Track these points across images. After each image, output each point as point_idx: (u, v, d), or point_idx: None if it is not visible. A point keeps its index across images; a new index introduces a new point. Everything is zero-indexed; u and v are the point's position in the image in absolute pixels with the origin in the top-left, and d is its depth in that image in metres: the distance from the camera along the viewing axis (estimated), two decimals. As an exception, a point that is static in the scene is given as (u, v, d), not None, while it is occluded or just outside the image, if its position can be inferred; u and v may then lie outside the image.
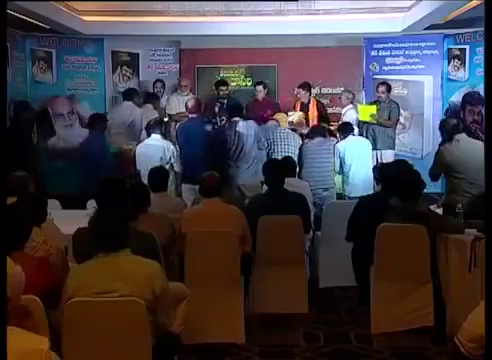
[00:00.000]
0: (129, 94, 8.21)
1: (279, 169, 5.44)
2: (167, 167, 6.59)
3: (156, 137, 6.94)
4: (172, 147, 6.85)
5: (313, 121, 8.24)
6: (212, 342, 4.43)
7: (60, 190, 7.15)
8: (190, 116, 7.18)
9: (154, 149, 6.86)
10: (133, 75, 9.37)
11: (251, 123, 7.12)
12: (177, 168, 6.98)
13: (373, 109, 8.04)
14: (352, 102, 8.54)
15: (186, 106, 7.22)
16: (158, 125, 7.06)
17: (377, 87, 8.31)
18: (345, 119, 8.19)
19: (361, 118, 8.12)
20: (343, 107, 8.59)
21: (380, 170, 5.50)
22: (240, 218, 4.75)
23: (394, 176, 5.03)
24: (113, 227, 3.05)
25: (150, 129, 7.12)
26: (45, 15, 8.08)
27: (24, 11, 7.58)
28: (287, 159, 6.67)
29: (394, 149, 8.15)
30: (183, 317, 3.58)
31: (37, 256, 3.27)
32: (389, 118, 8.09)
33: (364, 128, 8.12)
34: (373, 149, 7.84)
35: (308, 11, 8.87)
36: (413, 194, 4.59)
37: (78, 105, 8.90)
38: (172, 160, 6.85)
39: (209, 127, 7.34)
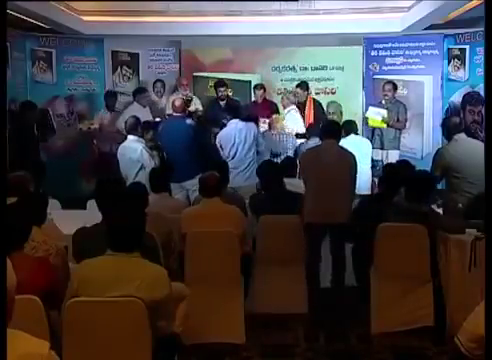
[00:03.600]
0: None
1: (273, 170, 5.46)
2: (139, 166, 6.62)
3: (130, 138, 6.85)
4: (140, 147, 6.69)
5: (308, 120, 8.24)
6: (212, 342, 4.43)
7: (60, 190, 7.14)
8: (174, 114, 7.13)
9: (127, 150, 6.79)
10: (133, 75, 9.37)
11: (251, 125, 7.09)
12: (148, 168, 6.52)
13: (384, 112, 8.06)
14: (294, 103, 8.39)
15: (172, 104, 7.16)
16: (132, 126, 6.99)
17: (383, 86, 8.36)
18: (288, 120, 7.94)
19: (371, 124, 8.18)
20: (285, 108, 8.34)
21: (384, 169, 5.52)
22: (240, 218, 4.76)
23: (399, 176, 5.08)
24: (128, 227, 3.04)
25: (126, 130, 7.06)
26: (45, 15, 8.08)
27: (24, 11, 7.58)
28: (287, 159, 6.67)
29: (399, 149, 8.25)
30: (183, 317, 3.57)
31: (37, 256, 3.27)
32: (397, 119, 8.17)
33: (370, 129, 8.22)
34: (380, 149, 8.00)
35: (308, 11, 8.86)
36: (418, 194, 4.59)
37: (78, 105, 8.91)
38: (140, 160, 6.66)
39: (190, 123, 7.23)
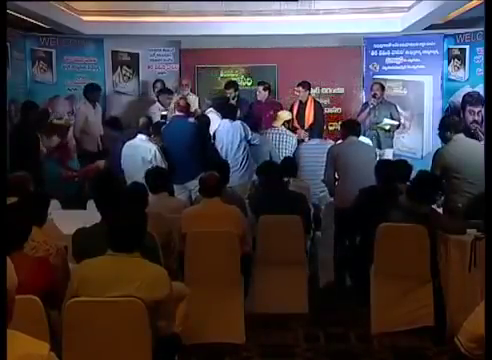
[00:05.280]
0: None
1: (273, 170, 5.48)
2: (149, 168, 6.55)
3: (141, 137, 6.85)
4: (154, 148, 6.66)
5: (308, 120, 8.24)
6: (212, 342, 4.43)
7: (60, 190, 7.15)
8: (176, 114, 7.13)
9: (137, 150, 6.75)
10: (133, 75, 9.38)
11: (236, 124, 7.08)
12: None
13: (395, 123, 8.21)
14: (211, 105, 8.33)
15: (177, 104, 7.15)
16: (146, 125, 6.99)
17: (371, 86, 8.43)
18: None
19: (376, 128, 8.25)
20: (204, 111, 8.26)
21: (380, 168, 5.54)
22: (240, 218, 4.76)
23: (389, 170, 5.18)
24: (128, 227, 3.03)
25: (139, 129, 7.05)
26: (45, 15, 8.07)
27: (24, 11, 7.58)
28: (287, 159, 6.67)
29: (393, 147, 8.33)
30: (183, 317, 3.58)
31: (37, 256, 3.27)
32: (392, 118, 8.24)
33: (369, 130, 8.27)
34: (378, 148, 8.00)
35: (308, 11, 8.87)
36: (421, 195, 4.59)
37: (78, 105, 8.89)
38: (153, 161, 6.61)
39: (194, 122, 7.21)
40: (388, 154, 8.07)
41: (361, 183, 5.47)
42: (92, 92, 8.38)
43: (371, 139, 8.10)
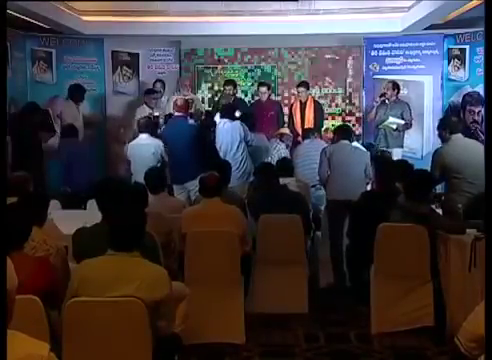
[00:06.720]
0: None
1: (272, 170, 5.52)
2: (159, 165, 6.62)
3: (144, 136, 6.91)
4: (161, 144, 6.81)
5: (308, 121, 8.25)
6: (212, 342, 4.43)
7: (59, 190, 7.14)
8: (176, 114, 7.15)
9: (146, 148, 6.82)
10: (133, 75, 9.38)
11: (235, 124, 7.09)
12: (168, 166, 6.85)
13: (401, 122, 8.21)
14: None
15: (175, 104, 7.17)
16: (146, 124, 7.05)
17: (386, 85, 8.41)
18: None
19: (383, 127, 8.25)
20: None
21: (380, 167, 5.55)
22: (240, 218, 4.76)
23: (396, 174, 5.18)
24: (129, 226, 3.04)
25: (139, 128, 7.10)
26: (45, 15, 8.06)
27: (24, 11, 7.57)
28: (284, 160, 6.70)
29: (402, 147, 8.32)
30: (183, 317, 3.58)
31: (37, 256, 3.27)
32: (402, 118, 8.24)
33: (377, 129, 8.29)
34: (386, 147, 8.07)
35: (308, 11, 8.86)
36: (416, 193, 4.59)
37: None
38: (160, 157, 6.77)
39: (193, 124, 7.24)
40: (397, 154, 8.03)
41: (348, 180, 5.87)
42: (76, 93, 8.38)
43: (379, 138, 8.12)
